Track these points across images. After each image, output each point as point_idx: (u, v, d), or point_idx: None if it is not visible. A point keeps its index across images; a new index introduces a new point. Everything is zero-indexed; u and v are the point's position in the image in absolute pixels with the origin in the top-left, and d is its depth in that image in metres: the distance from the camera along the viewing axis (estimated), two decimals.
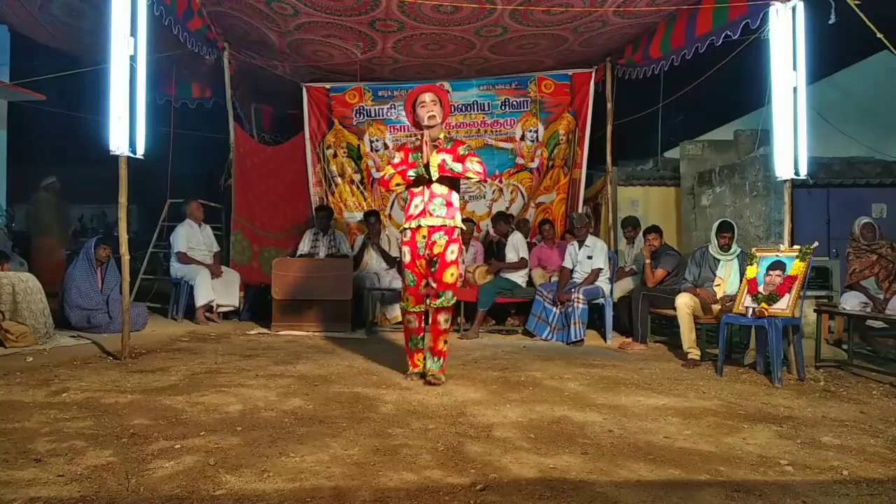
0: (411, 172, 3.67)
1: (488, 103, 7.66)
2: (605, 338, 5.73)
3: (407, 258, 3.73)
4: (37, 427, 2.67)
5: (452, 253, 3.68)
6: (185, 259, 6.37)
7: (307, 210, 7.69)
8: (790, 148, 4.46)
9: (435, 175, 3.62)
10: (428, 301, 3.76)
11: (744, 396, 3.61)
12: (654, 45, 6.04)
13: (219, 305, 6.38)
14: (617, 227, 7.03)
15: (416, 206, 3.71)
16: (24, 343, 4.55)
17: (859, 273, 4.88)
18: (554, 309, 5.76)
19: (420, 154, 3.65)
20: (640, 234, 6.27)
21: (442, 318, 3.72)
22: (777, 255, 4.28)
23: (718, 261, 4.85)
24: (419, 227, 3.67)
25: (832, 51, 6.98)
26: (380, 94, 7.77)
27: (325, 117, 7.83)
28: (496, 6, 5.47)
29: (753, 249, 4.49)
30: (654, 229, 5.67)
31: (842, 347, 5.16)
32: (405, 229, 3.74)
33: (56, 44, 6.73)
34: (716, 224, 4.93)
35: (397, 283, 6.45)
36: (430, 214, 3.66)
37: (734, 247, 4.83)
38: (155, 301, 6.84)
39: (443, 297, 3.70)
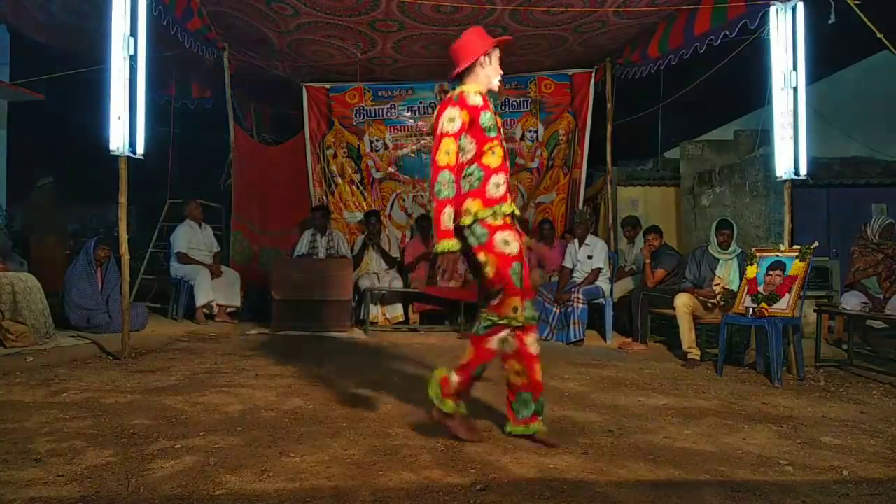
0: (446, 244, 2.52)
1: None
2: (605, 338, 5.72)
3: (514, 247, 2.59)
4: (37, 427, 2.67)
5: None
6: (185, 259, 6.36)
7: (307, 210, 7.69)
8: (790, 148, 4.47)
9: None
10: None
11: (744, 396, 3.61)
12: (653, 44, 6.04)
13: (219, 306, 6.38)
14: (617, 227, 7.03)
15: (499, 186, 2.65)
16: (24, 343, 4.54)
17: (862, 272, 4.87)
18: (554, 309, 5.76)
19: (509, 190, 2.69)
20: (640, 233, 6.27)
21: (531, 338, 2.68)
22: (777, 255, 4.28)
23: (718, 260, 4.85)
24: (512, 212, 2.69)
25: (832, 51, 6.98)
26: (380, 94, 7.77)
27: (325, 117, 7.83)
28: (496, 6, 5.47)
29: (753, 249, 4.50)
30: (654, 229, 5.68)
31: (842, 347, 5.15)
32: (496, 212, 2.61)
33: (56, 44, 6.72)
34: (715, 222, 4.95)
35: (397, 284, 6.46)
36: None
37: (733, 245, 4.84)
38: (155, 301, 6.84)
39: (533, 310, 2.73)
